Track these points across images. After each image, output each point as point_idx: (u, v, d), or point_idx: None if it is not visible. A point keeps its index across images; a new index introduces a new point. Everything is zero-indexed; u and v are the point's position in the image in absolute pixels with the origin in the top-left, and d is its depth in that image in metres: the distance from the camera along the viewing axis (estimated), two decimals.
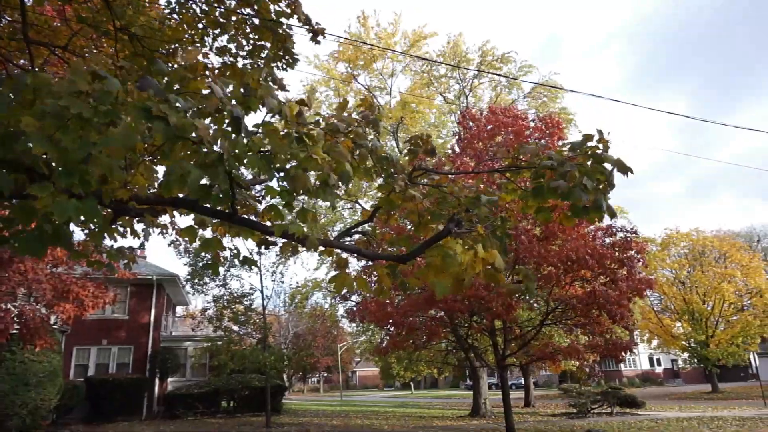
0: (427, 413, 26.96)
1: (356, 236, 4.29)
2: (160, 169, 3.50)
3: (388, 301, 17.68)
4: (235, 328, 21.73)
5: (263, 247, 3.55)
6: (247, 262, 3.53)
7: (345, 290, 3.89)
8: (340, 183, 2.88)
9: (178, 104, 2.25)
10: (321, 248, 3.33)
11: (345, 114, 3.52)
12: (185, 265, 22.03)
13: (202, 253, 21.24)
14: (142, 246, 5.79)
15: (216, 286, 21.71)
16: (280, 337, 36.43)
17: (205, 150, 2.35)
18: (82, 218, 2.55)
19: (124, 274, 14.65)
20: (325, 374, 68.28)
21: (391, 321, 17.41)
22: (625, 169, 3.41)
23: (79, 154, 2.16)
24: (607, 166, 3.33)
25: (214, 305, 21.82)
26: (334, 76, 27.99)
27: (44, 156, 2.25)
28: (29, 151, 2.35)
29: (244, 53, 6.94)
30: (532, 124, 17.65)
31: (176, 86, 2.78)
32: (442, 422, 21.56)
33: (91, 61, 2.36)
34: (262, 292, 21.69)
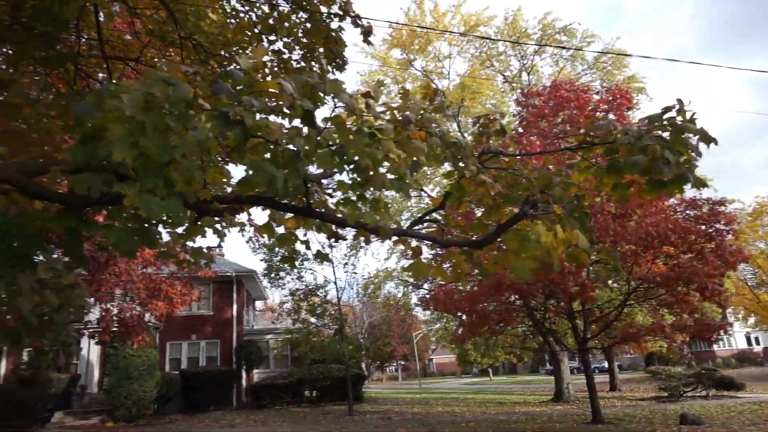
0: (508, 399, 26.62)
1: (426, 224, 4.27)
2: (231, 169, 3.62)
3: (455, 289, 17.58)
4: (313, 320, 22.38)
5: (334, 240, 3.61)
6: (320, 257, 3.61)
7: (421, 278, 3.91)
8: (413, 174, 2.87)
9: (253, 106, 2.32)
10: (395, 237, 3.34)
11: (410, 102, 3.50)
12: (261, 261, 22.96)
13: (277, 249, 22.08)
14: (219, 245, 6.08)
15: (292, 279, 22.48)
16: (356, 328, 37.16)
17: (282, 148, 2.41)
18: (167, 218, 2.71)
19: (206, 272, 15.49)
20: (402, 363, 69.00)
21: (460, 308, 17.28)
22: (708, 140, 3.19)
23: (161, 158, 2.28)
24: (690, 137, 3.12)
25: (291, 298, 22.58)
26: (390, 63, 27.93)
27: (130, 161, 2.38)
28: (112, 156, 2.51)
29: (297, 57, 7.08)
30: (596, 97, 16.80)
31: (240, 87, 2.87)
32: (525, 408, 21.22)
33: (164, 68, 2.47)
34: (335, 284, 22.25)
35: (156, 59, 7.92)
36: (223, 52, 6.98)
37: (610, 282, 17.24)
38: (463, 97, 26.83)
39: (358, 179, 3.13)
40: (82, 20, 6.80)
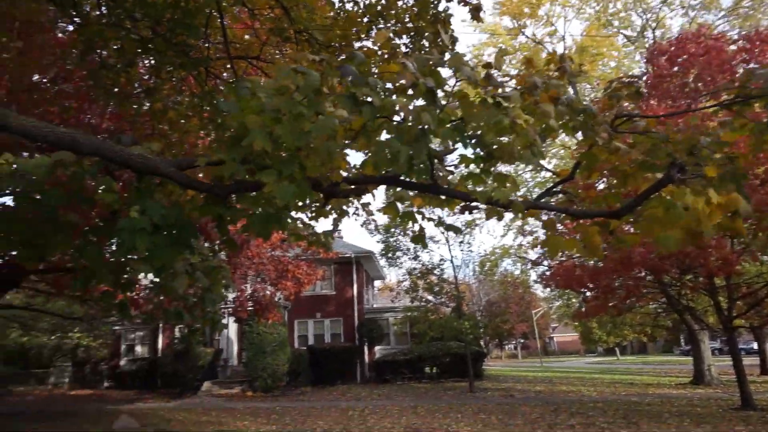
0: (639, 380, 25.05)
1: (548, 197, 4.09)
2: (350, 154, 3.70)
3: (576, 266, 16.75)
4: (430, 297, 22.65)
5: (468, 212, 3.60)
6: (452, 230, 3.61)
7: (556, 253, 3.76)
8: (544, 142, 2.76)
9: (378, 87, 2.36)
10: (524, 211, 3.24)
11: (533, 69, 3.35)
12: (378, 242, 23.60)
13: (393, 229, 22.54)
14: (335, 228, 6.32)
15: (409, 259, 22.88)
16: (473, 305, 36.98)
17: (407, 126, 2.43)
18: (299, 202, 2.85)
19: (328, 253, 16.24)
20: (522, 340, 67.62)
21: (582, 285, 16.45)
22: None
23: (294, 144, 2.40)
24: None
25: (408, 277, 23.01)
26: (500, 33, 26.93)
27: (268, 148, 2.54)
28: (252, 147, 2.70)
29: (406, 41, 7.09)
30: (733, 48, 14.78)
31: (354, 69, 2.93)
32: (659, 390, 19.85)
33: (293, 59, 2.58)
34: (452, 262, 22.27)
35: (276, 55, 8.36)
36: (335, 44, 7.18)
37: (759, 254, 15.42)
38: (581, 62, 25.12)
39: (482, 153, 3.08)
40: (209, 27, 7.33)
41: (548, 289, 26.47)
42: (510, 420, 13.37)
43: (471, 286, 36.01)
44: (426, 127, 2.46)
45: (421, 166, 2.69)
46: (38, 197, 2.89)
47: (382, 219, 22.15)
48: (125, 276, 3.91)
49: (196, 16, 6.08)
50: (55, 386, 26.83)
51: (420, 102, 2.80)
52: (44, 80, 10.80)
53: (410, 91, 2.72)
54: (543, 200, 3.61)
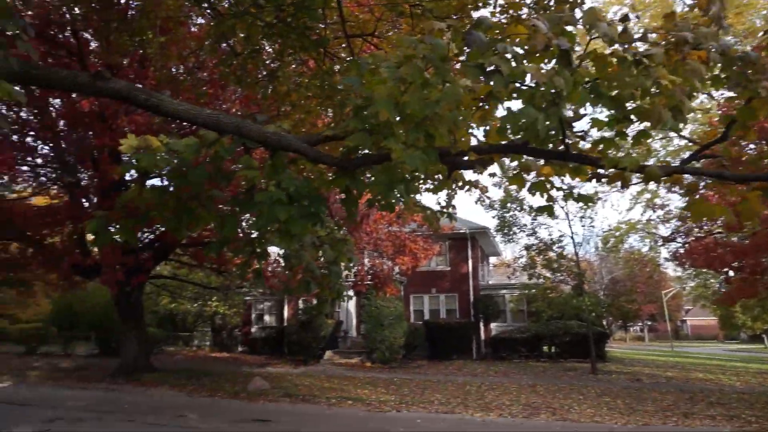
0: None
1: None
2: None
3: (718, 242, 15.11)
4: (549, 275, 21.83)
5: (596, 181, 3.36)
6: (584, 200, 3.41)
7: (701, 220, 3.42)
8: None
9: (507, 53, 2.26)
10: (663, 177, 2.96)
11: (675, 21, 3.01)
12: (493, 217, 23.10)
13: (508, 204, 21.94)
14: (450, 203, 6.25)
15: (526, 235, 22.19)
16: (595, 284, 35.07)
17: (540, 91, 2.31)
18: (424, 171, 2.84)
19: (444, 227, 16.23)
20: (649, 323, 63.07)
21: (725, 264, 14.82)
22: None
23: (421, 113, 2.38)
24: None
25: (525, 253, 22.35)
26: None
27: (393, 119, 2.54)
28: (377, 118, 2.72)
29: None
30: None
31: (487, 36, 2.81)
32: None
33: (425, 28, 2.54)
34: (572, 238, 21.14)
35: (390, 32, 8.39)
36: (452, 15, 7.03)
37: None
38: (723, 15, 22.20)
39: (617, 115, 2.85)
40: (326, 7, 7.50)
41: (682, 269, 24.29)
42: (638, 405, 12.60)
43: (592, 264, 34.12)
44: (559, 91, 2.31)
45: (553, 132, 2.55)
46: (186, 174, 3.18)
47: (497, 194, 21.58)
48: (258, 249, 4.19)
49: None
50: (198, 348, 29.97)
51: (550, 65, 2.65)
52: (181, 71, 11.85)
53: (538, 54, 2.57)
54: (689, 164, 3.26)
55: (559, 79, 2.27)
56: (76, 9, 8.51)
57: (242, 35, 6.81)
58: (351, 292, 20.85)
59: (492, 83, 2.26)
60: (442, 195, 4.43)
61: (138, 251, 16.63)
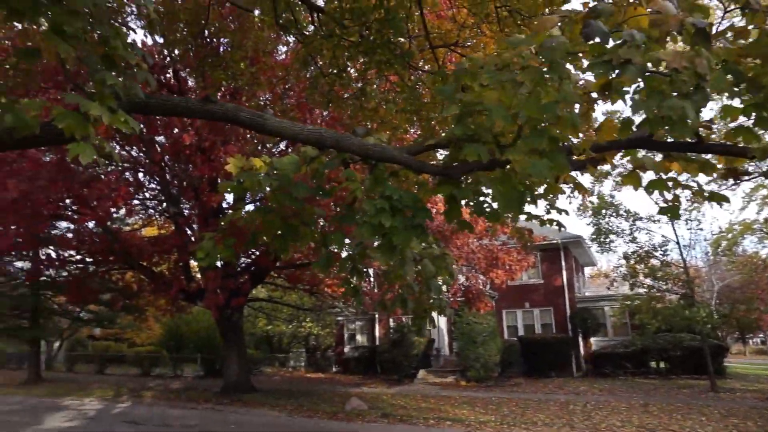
0: None
1: None
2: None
3: None
4: (652, 283, 20.28)
5: (733, 178, 3.00)
6: (717, 198, 3.03)
7: None
8: None
9: (635, 40, 2.03)
10: None
11: None
12: (588, 224, 21.95)
13: (603, 210, 20.75)
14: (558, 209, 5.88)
15: (624, 242, 20.81)
16: (704, 292, 32.16)
17: (678, 77, 2.05)
18: (538, 176, 2.63)
19: (535, 239, 15.57)
20: None
21: None
22: None
23: (540, 116, 2.20)
24: None
25: (625, 262, 20.94)
26: None
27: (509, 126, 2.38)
28: (484, 125, 2.57)
29: None
30: None
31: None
32: None
33: (540, 24, 2.35)
34: (678, 243, 19.56)
35: (473, 40, 8.24)
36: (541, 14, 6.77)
37: None
38: None
39: (760, 100, 2.50)
40: (409, 21, 7.49)
41: None
42: None
43: (699, 270, 31.35)
44: (703, 75, 2.03)
45: (689, 121, 2.26)
46: (289, 192, 3.19)
47: (592, 199, 20.40)
48: (359, 265, 4.14)
49: (398, 13, 6.25)
50: (294, 368, 30.78)
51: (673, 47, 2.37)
52: (269, 99, 12.37)
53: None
54: None
55: (701, 61, 2.01)
56: (175, 51, 9.13)
57: (328, 55, 6.94)
58: (446, 309, 20.49)
59: (620, 76, 2.03)
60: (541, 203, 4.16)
61: (236, 275, 17.44)
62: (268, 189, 3.84)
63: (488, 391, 18.90)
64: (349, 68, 7.30)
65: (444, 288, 5.37)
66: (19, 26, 2.86)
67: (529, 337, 24.12)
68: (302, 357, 31.73)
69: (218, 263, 18.22)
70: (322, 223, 4.46)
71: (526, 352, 23.47)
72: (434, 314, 5.34)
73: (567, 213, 3.75)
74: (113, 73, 2.23)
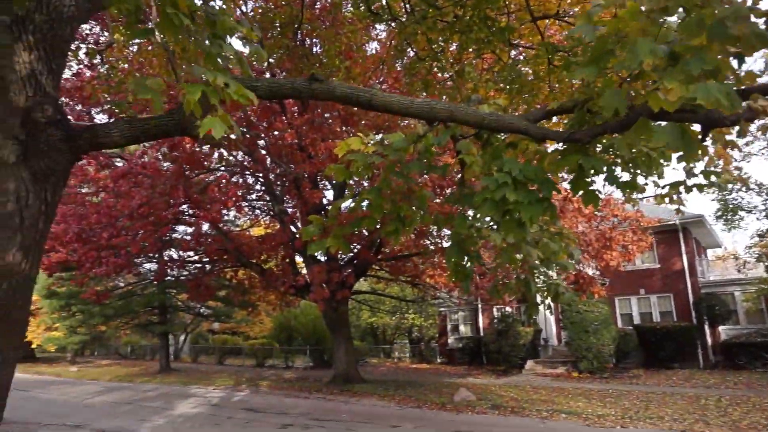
0: None
1: None
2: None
3: None
4: None
5: None
6: None
7: None
8: None
9: None
10: None
11: None
12: (712, 200, 19.95)
13: (730, 185, 18.74)
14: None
15: (758, 219, 18.68)
16: None
17: None
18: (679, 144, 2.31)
19: (648, 221, 14.39)
20: None
21: None
22: None
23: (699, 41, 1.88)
24: None
25: (758, 241, 18.79)
26: None
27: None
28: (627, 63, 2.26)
29: None
30: None
31: None
32: None
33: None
34: None
35: (576, 8, 7.71)
36: None
37: None
38: None
39: None
40: None
41: None
42: None
43: None
44: None
45: None
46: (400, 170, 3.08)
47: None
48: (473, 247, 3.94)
49: None
50: (398, 360, 31.13)
51: None
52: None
53: None
54: None
55: None
56: (273, 56, 9.43)
57: (423, 40, 6.77)
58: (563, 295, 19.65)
59: None
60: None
61: (340, 269, 17.89)
62: (376, 172, 3.76)
63: (604, 383, 17.84)
64: (447, 49, 7.08)
65: (573, 268, 4.97)
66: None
67: (647, 326, 22.41)
68: (406, 348, 32.02)
69: (322, 257, 18.82)
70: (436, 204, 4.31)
71: (644, 341, 21.86)
72: (548, 301, 5.00)
73: (715, 183, 3.21)
74: (226, 42, 2.22)
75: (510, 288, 4.83)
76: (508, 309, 26.45)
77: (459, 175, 3.31)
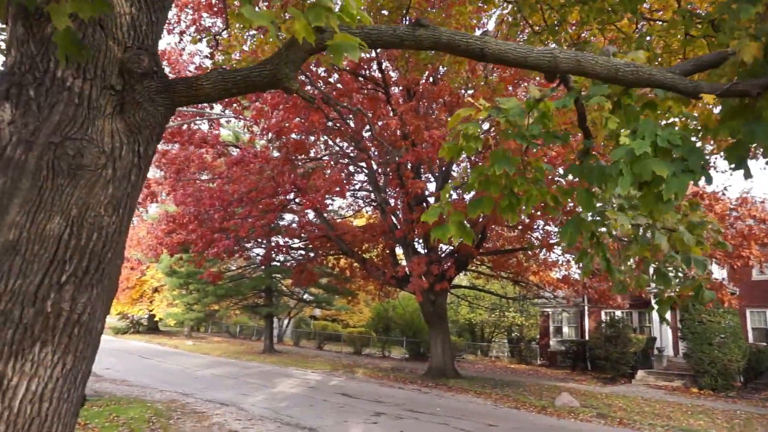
0: None
1: None
2: None
3: None
4: None
5: None
6: None
7: None
8: None
9: None
10: None
11: None
12: None
13: None
14: None
15: None
16: None
17: None
18: None
19: None
20: None
21: None
22: None
23: None
24: None
25: None
26: None
27: None
28: None
29: None
30: None
31: None
32: None
33: None
34: None
35: None
36: None
37: None
38: None
39: None
40: None
41: None
42: None
43: None
44: None
45: None
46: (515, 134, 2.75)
47: None
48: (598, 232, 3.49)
49: None
50: (496, 358, 30.28)
51: None
52: (468, 76, 11.99)
53: None
54: None
55: None
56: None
57: (538, 14, 6.28)
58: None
59: None
60: None
61: (441, 261, 17.61)
62: (492, 143, 3.46)
63: (730, 402, 15.99)
64: (564, 24, 6.52)
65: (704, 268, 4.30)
66: None
67: None
68: (504, 347, 31.08)
69: (422, 250, 18.65)
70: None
71: None
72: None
73: None
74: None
75: (644, 282, 4.30)
76: (618, 313, 24.69)
77: (581, 146, 2.91)
